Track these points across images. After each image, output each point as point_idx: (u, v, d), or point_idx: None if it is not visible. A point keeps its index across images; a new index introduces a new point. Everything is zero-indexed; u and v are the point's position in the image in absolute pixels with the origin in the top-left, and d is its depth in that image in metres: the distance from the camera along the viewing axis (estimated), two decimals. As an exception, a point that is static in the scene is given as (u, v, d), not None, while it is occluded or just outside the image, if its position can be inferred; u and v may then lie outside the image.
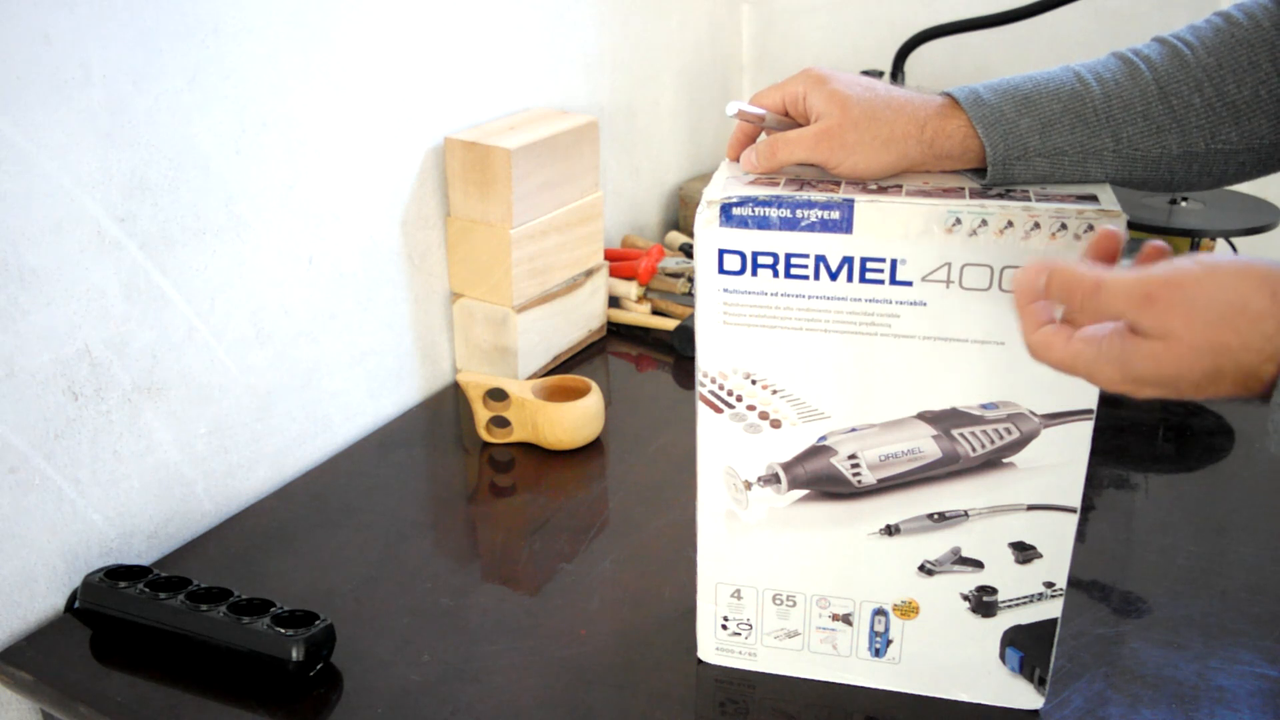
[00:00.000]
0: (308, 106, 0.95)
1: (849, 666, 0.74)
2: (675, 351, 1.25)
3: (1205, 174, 0.67)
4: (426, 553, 0.90)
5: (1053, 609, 0.69)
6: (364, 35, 1.00)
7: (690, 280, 1.34)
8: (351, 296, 1.05)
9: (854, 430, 0.67)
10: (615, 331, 1.32)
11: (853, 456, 0.68)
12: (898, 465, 0.68)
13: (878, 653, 0.73)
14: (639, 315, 1.31)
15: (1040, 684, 0.71)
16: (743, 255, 0.64)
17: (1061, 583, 0.68)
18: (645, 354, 1.27)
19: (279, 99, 0.93)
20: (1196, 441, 1.05)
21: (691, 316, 1.26)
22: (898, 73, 1.46)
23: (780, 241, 0.63)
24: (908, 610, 0.72)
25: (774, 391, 0.67)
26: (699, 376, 0.69)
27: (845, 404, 0.67)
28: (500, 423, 1.06)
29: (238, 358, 0.94)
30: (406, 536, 0.92)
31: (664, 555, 0.88)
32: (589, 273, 1.25)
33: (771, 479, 0.70)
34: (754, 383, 0.68)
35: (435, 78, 1.09)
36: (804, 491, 0.70)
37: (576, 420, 1.03)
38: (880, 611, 0.72)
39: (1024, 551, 0.68)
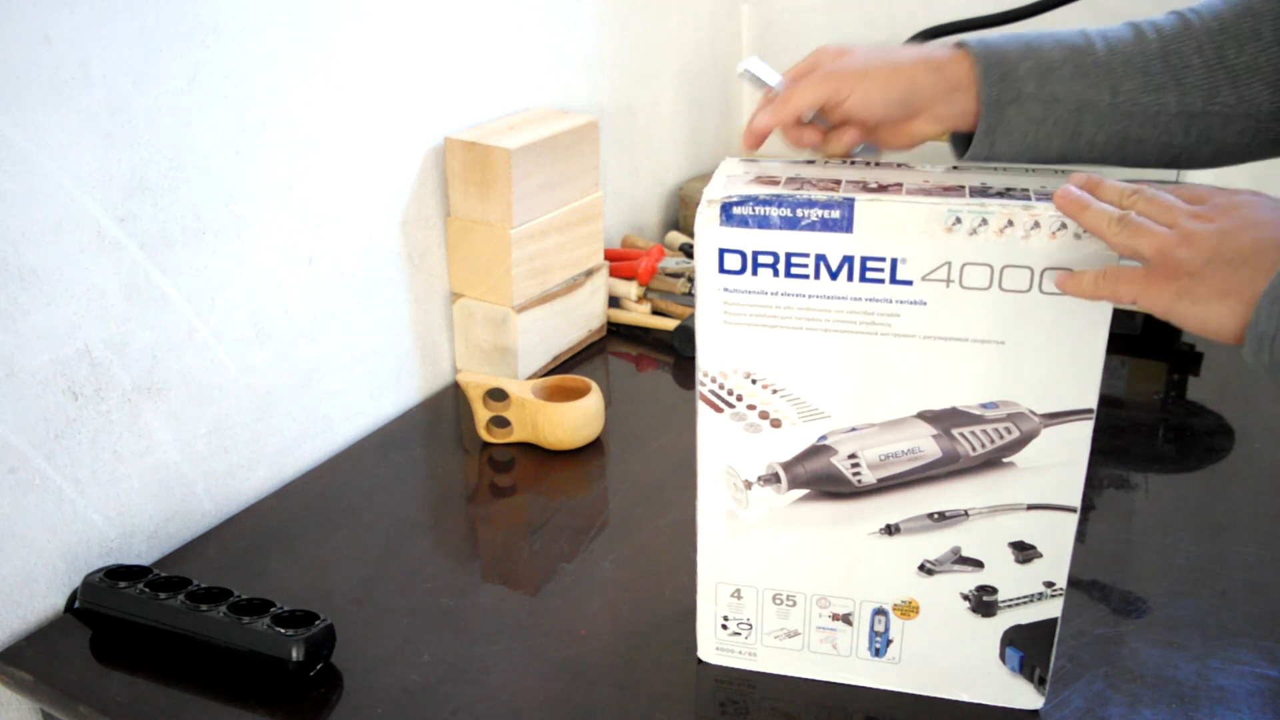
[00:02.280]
0: (308, 106, 0.95)
1: (849, 666, 0.74)
2: (675, 351, 1.25)
3: (1205, 140, 0.67)
4: (426, 553, 0.90)
5: (1053, 609, 0.69)
6: (364, 35, 1.00)
7: (690, 280, 1.34)
8: (351, 296, 1.05)
9: (854, 430, 0.67)
10: (615, 331, 1.32)
11: (853, 456, 0.68)
12: (898, 465, 0.68)
13: (878, 652, 0.73)
14: (639, 315, 1.31)
15: (1040, 684, 0.71)
16: (743, 254, 0.64)
17: (1061, 582, 0.68)
18: (645, 354, 1.27)
19: (279, 99, 0.93)
20: (1196, 441, 1.05)
21: (691, 316, 1.25)
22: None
23: (780, 241, 0.63)
24: (908, 610, 0.72)
25: (774, 391, 0.67)
26: (699, 376, 0.69)
27: (845, 403, 0.67)
28: (500, 423, 1.06)
29: (238, 358, 0.94)
30: (406, 536, 0.92)
31: (664, 555, 0.88)
32: (589, 273, 1.25)
33: (771, 478, 0.70)
34: (754, 382, 0.68)
35: (435, 78, 1.09)
36: (804, 491, 0.70)
37: (576, 420, 1.03)
38: (880, 611, 0.72)
39: (1024, 551, 0.68)
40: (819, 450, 0.68)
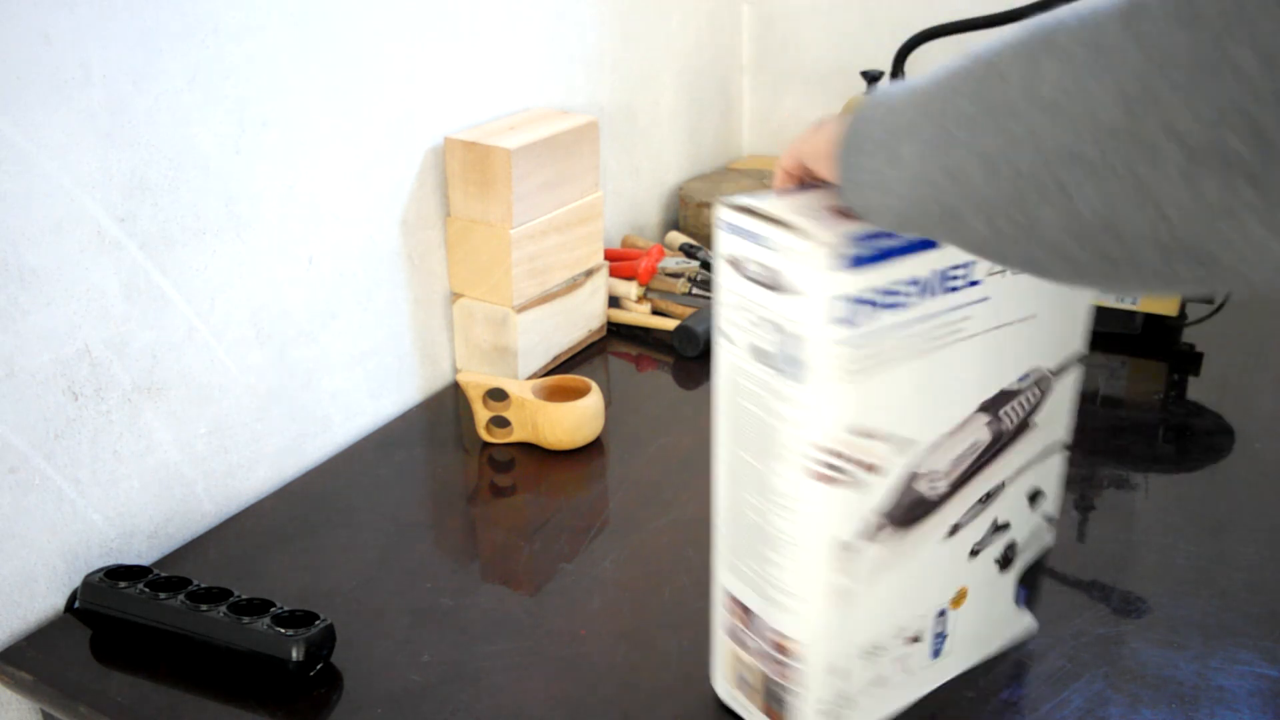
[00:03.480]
0: (308, 106, 0.95)
1: (919, 681, 0.70)
2: (675, 351, 1.25)
3: None
4: (426, 553, 0.90)
5: (1049, 538, 0.72)
6: (364, 35, 1.00)
7: (690, 280, 1.34)
8: (351, 296, 1.05)
9: (931, 445, 0.63)
10: (615, 331, 1.32)
11: (931, 472, 0.63)
12: (963, 463, 0.65)
13: (936, 653, 0.71)
14: (639, 315, 1.31)
15: (1029, 605, 0.73)
16: (864, 300, 0.56)
17: (1055, 512, 0.71)
18: (645, 354, 1.27)
19: (279, 99, 0.93)
20: (1196, 441, 1.05)
21: (692, 316, 1.25)
22: (898, 73, 1.46)
23: (889, 273, 0.56)
24: (959, 599, 0.70)
25: (880, 440, 0.60)
26: (808, 449, 0.58)
27: (927, 423, 0.62)
28: (500, 423, 1.06)
29: (238, 358, 0.94)
30: (406, 536, 0.92)
31: (664, 555, 0.88)
32: (589, 273, 1.25)
33: (875, 530, 0.62)
34: (866, 437, 0.59)
35: (435, 78, 1.09)
36: (893, 529, 0.64)
37: (576, 420, 1.03)
38: (941, 613, 0.70)
39: (1035, 497, 0.70)
40: (909, 481, 0.63)
